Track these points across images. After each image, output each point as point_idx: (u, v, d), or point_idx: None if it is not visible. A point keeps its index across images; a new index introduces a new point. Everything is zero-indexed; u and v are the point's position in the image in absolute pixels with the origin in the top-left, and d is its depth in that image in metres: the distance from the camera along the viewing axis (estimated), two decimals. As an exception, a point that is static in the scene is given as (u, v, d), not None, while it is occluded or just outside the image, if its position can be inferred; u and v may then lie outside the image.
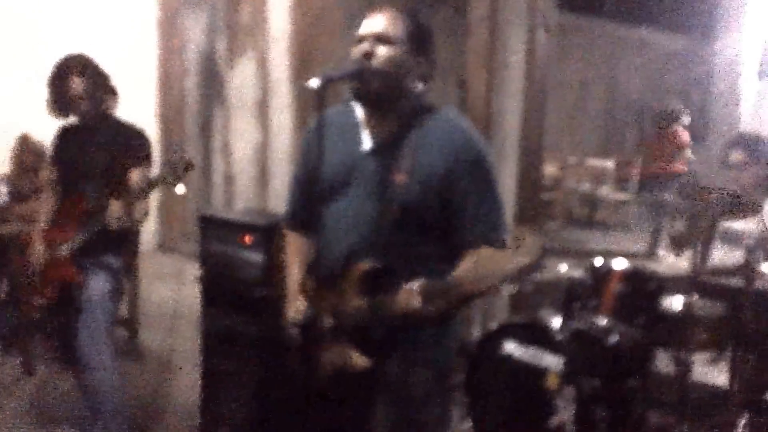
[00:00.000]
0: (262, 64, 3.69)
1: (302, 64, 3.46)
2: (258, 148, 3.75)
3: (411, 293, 1.83)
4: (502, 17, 4.73)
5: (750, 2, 6.24)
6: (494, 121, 4.90)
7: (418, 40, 2.00)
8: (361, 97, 1.99)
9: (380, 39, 1.96)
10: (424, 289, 1.82)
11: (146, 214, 3.01)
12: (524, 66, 4.72)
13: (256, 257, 2.96)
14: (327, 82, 1.81)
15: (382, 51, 1.95)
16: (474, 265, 1.91)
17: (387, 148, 2.01)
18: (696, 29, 9.34)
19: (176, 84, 6.05)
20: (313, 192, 2.05)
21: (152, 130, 5.99)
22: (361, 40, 1.98)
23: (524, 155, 4.96)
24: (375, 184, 2.00)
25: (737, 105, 6.17)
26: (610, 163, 10.71)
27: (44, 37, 5.36)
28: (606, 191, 10.40)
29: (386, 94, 1.98)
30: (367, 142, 2.04)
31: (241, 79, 3.87)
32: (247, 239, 2.94)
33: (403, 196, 1.96)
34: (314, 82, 1.78)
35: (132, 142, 3.09)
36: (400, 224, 1.98)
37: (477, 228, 1.98)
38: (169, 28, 6.02)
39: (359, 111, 2.07)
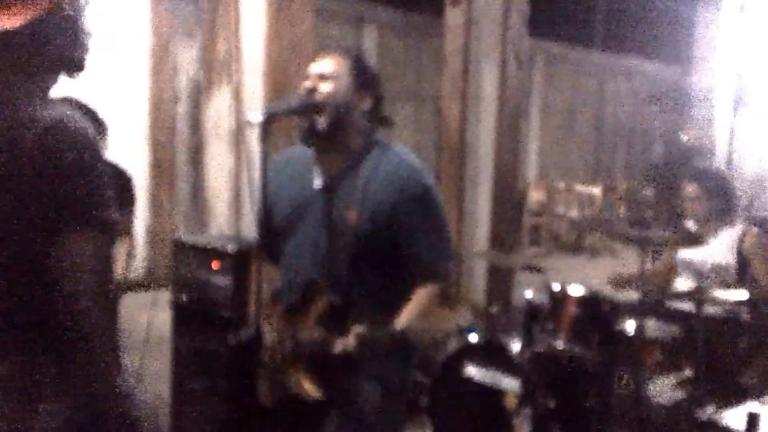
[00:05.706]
0: (237, 94, 3.85)
1: (276, 94, 3.61)
2: (231, 176, 3.91)
3: (351, 339, 1.95)
4: (476, 49, 4.91)
5: (725, 35, 6.41)
6: (469, 148, 5.05)
7: (359, 76, 2.10)
8: (307, 136, 2.09)
9: (322, 77, 2.07)
10: (362, 337, 1.94)
11: None
12: (497, 95, 4.89)
13: (225, 281, 3.08)
14: (270, 117, 1.92)
15: (324, 87, 2.06)
16: (413, 315, 2.05)
17: (336, 185, 2.11)
18: (676, 60, 9.55)
19: (167, 111, 6.22)
20: (270, 226, 2.15)
21: (143, 155, 6.15)
22: (307, 78, 2.10)
23: (498, 181, 5.10)
24: (326, 220, 2.10)
25: (711, 137, 6.32)
26: (597, 190, 10.83)
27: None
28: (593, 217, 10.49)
29: (332, 131, 2.06)
30: (317, 180, 2.13)
31: (217, 108, 4.03)
32: (215, 265, 3.05)
33: (354, 231, 2.06)
34: (256, 117, 1.89)
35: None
36: (352, 257, 2.07)
37: (424, 258, 2.11)
38: (161, 56, 6.19)
39: (309, 150, 2.17)
